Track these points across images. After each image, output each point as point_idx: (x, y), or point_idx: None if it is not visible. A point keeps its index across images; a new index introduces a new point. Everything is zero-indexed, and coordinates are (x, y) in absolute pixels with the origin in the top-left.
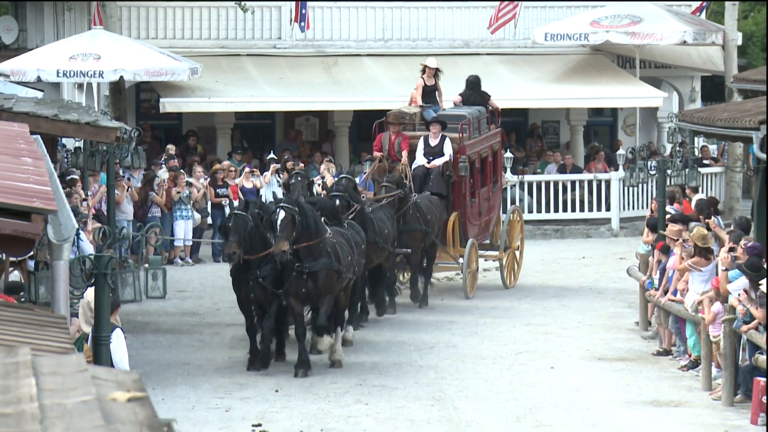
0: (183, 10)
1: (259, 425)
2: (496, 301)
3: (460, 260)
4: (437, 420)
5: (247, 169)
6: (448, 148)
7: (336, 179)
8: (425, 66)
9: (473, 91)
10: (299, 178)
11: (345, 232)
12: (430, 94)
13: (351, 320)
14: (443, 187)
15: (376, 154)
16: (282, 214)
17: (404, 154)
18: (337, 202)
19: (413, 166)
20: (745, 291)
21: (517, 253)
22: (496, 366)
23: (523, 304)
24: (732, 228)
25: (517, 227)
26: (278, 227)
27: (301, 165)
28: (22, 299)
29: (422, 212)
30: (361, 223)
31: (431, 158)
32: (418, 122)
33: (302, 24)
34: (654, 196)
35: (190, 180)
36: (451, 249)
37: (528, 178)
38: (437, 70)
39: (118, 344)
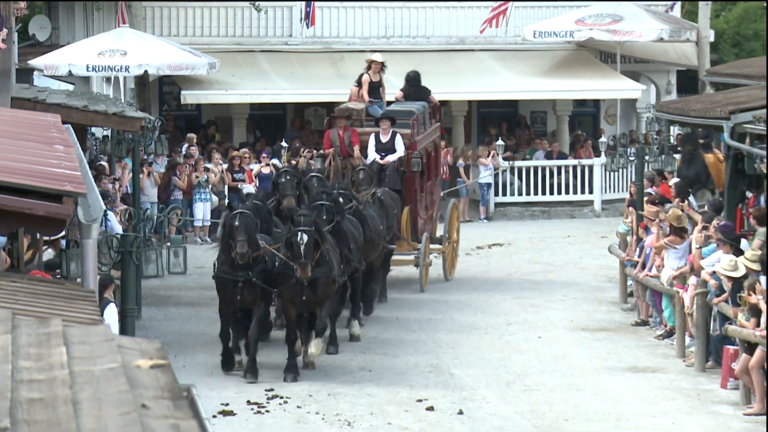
0: (202, 9)
1: (272, 389)
2: (488, 277)
3: (413, 254)
4: (434, 385)
5: (264, 155)
6: (400, 144)
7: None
8: (371, 62)
9: (414, 87)
10: (288, 177)
11: (349, 226)
12: (375, 90)
13: (356, 315)
14: (398, 182)
15: (328, 151)
16: (304, 238)
17: (356, 149)
18: (341, 199)
19: (367, 162)
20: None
21: (455, 245)
22: (488, 336)
23: (513, 279)
24: (706, 209)
25: (456, 221)
26: (302, 253)
27: (314, 151)
28: (57, 275)
29: (386, 207)
30: (359, 221)
31: (383, 154)
32: (364, 118)
33: (307, 21)
34: (633, 180)
35: (209, 165)
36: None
37: (518, 163)
38: (383, 65)
39: (110, 317)
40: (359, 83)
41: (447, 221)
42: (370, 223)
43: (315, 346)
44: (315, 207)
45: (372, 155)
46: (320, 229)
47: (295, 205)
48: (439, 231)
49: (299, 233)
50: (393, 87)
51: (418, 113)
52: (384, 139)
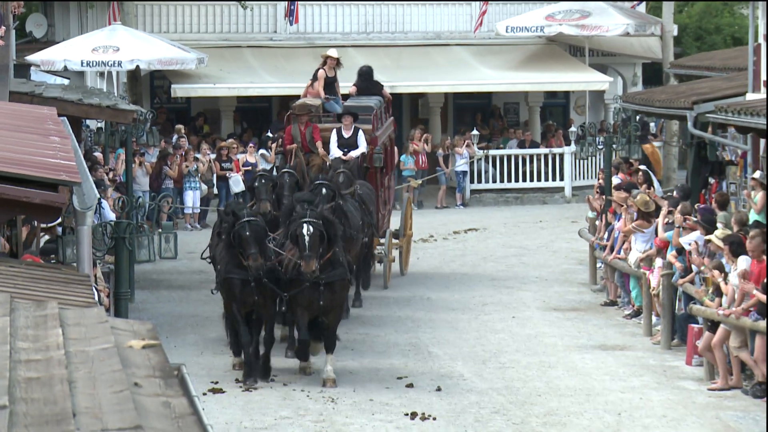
0: (191, 7)
1: None
2: (465, 260)
3: (377, 250)
4: (414, 363)
5: (251, 145)
6: (362, 140)
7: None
8: (327, 57)
9: (367, 82)
10: (263, 181)
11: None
12: (330, 85)
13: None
14: (363, 178)
15: (289, 147)
16: (310, 229)
17: (319, 144)
18: (324, 191)
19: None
20: (696, 243)
21: (410, 239)
22: (465, 316)
23: (488, 262)
24: (674, 194)
25: (410, 216)
26: (306, 245)
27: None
28: (52, 260)
29: (364, 201)
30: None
31: (346, 150)
32: (322, 114)
33: (291, 18)
34: (601, 167)
35: (198, 156)
36: None
37: (492, 152)
38: (338, 61)
39: None
40: (315, 78)
41: (403, 215)
42: (350, 219)
43: (330, 363)
44: (315, 187)
45: (335, 151)
46: (330, 221)
47: (270, 209)
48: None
49: (304, 224)
50: (346, 81)
51: (376, 108)
52: (346, 134)
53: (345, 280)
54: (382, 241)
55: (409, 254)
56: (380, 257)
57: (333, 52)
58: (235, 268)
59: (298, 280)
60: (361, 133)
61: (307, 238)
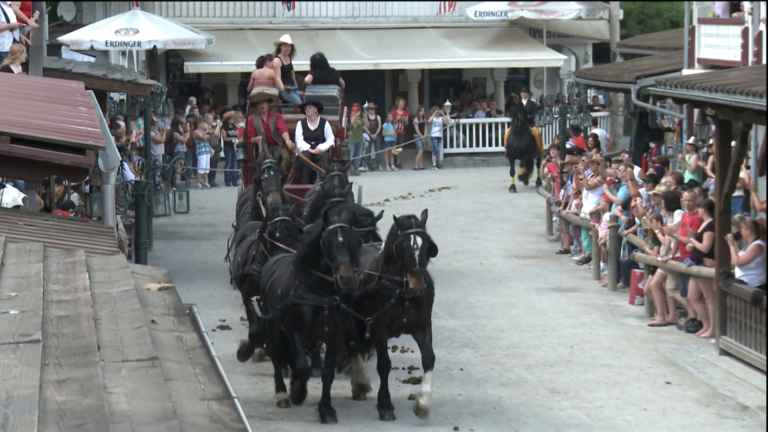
0: None
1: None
2: (438, 215)
3: None
4: None
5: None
6: (329, 133)
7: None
8: (281, 44)
9: (323, 70)
10: (272, 173)
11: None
12: (287, 74)
13: None
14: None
15: (255, 138)
16: (420, 242)
17: (286, 136)
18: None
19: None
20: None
21: None
22: (438, 263)
23: (459, 216)
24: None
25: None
26: (417, 259)
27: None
28: (73, 213)
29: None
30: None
31: (313, 143)
32: (280, 104)
33: (288, 4)
34: (557, 133)
35: (206, 124)
36: None
37: (462, 121)
38: (293, 48)
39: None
40: (260, 65)
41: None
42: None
43: (428, 383)
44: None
45: (301, 144)
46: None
47: (280, 201)
48: None
49: (413, 236)
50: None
51: (340, 98)
52: (312, 126)
53: (432, 294)
54: None
55: None
56: None
57: (287, 38)
58: (308, 292)
59: (382, 294)
60: (327, 125)
61: (417, 252)
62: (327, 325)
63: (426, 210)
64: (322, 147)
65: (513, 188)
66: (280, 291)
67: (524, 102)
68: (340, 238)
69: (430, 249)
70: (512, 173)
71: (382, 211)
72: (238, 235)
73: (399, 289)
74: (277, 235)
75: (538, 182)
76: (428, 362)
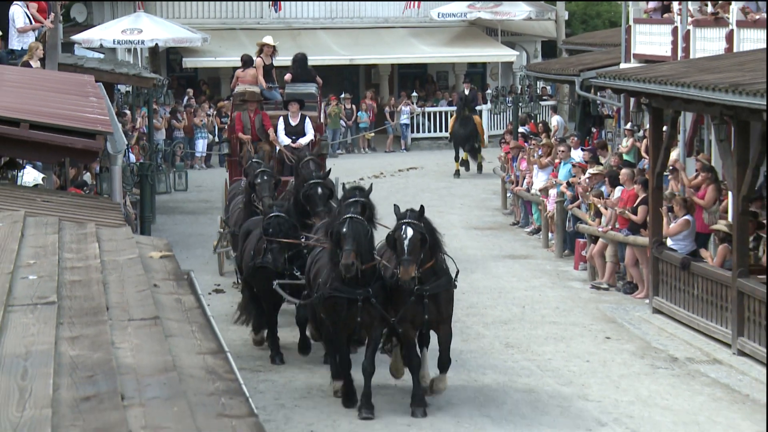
0: None
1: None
2: (403, 192)
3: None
4: None
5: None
6: (309, 128)
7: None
8: (263, 45)
9: (302, 69)
10: (266, 177)
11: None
12: (268, 73)
13: None
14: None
15: (245, 137)
16: (410, 232)
17: (271, 132)
18: (320, 190)
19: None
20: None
21: None
22: None
23: (425, 193)
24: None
25: None
26: (405, 249)
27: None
28: (85, 191)
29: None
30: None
31: (294, 138)
32: (262, 100)
33: (275, 6)
34: (510, 120)
35: (202, 112)
36: None
37: (427, 109)
38: (274, 48)
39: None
40: (244, 65)
41: None
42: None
43: (442, 382)
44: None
45: (283, 138)
46: (432, 227)
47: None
48: None
49: (403, 226)
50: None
51: (318, 95)
52: (293, 122)
53: (450, 291)
54: None
55: None
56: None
57: (269, 40)
58: (342, 285)
59: (403, 288)
60: (308, 121)
61: (406, 242)
62: (360, 316)
63: (422, 206)
64: (302, 141)
65: (457, 173)
66: (320, 281)
67: (467, 91)
68: (344, 229)
69: (423, 240)
70: (457, 159)
71: (372, 185)
72: (243, 230)
73: (416, 286)
74: (270, 231)
75: (479, 168)
76: (443, 367)
